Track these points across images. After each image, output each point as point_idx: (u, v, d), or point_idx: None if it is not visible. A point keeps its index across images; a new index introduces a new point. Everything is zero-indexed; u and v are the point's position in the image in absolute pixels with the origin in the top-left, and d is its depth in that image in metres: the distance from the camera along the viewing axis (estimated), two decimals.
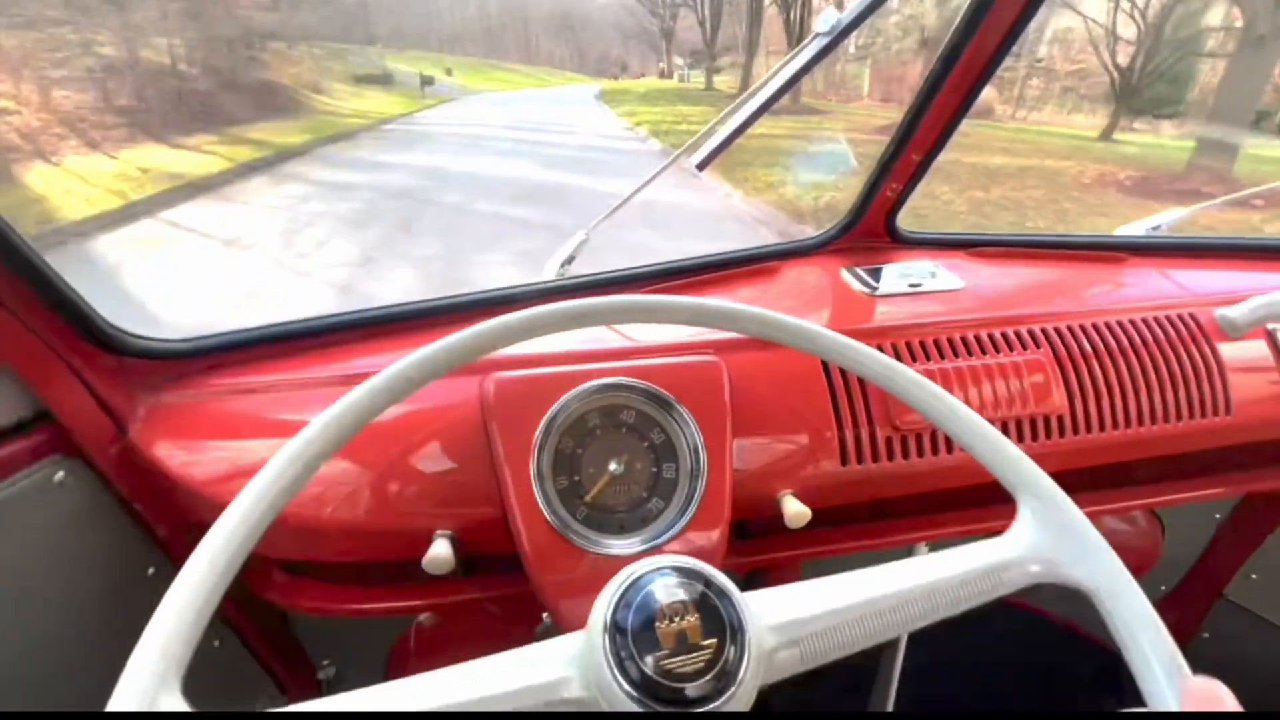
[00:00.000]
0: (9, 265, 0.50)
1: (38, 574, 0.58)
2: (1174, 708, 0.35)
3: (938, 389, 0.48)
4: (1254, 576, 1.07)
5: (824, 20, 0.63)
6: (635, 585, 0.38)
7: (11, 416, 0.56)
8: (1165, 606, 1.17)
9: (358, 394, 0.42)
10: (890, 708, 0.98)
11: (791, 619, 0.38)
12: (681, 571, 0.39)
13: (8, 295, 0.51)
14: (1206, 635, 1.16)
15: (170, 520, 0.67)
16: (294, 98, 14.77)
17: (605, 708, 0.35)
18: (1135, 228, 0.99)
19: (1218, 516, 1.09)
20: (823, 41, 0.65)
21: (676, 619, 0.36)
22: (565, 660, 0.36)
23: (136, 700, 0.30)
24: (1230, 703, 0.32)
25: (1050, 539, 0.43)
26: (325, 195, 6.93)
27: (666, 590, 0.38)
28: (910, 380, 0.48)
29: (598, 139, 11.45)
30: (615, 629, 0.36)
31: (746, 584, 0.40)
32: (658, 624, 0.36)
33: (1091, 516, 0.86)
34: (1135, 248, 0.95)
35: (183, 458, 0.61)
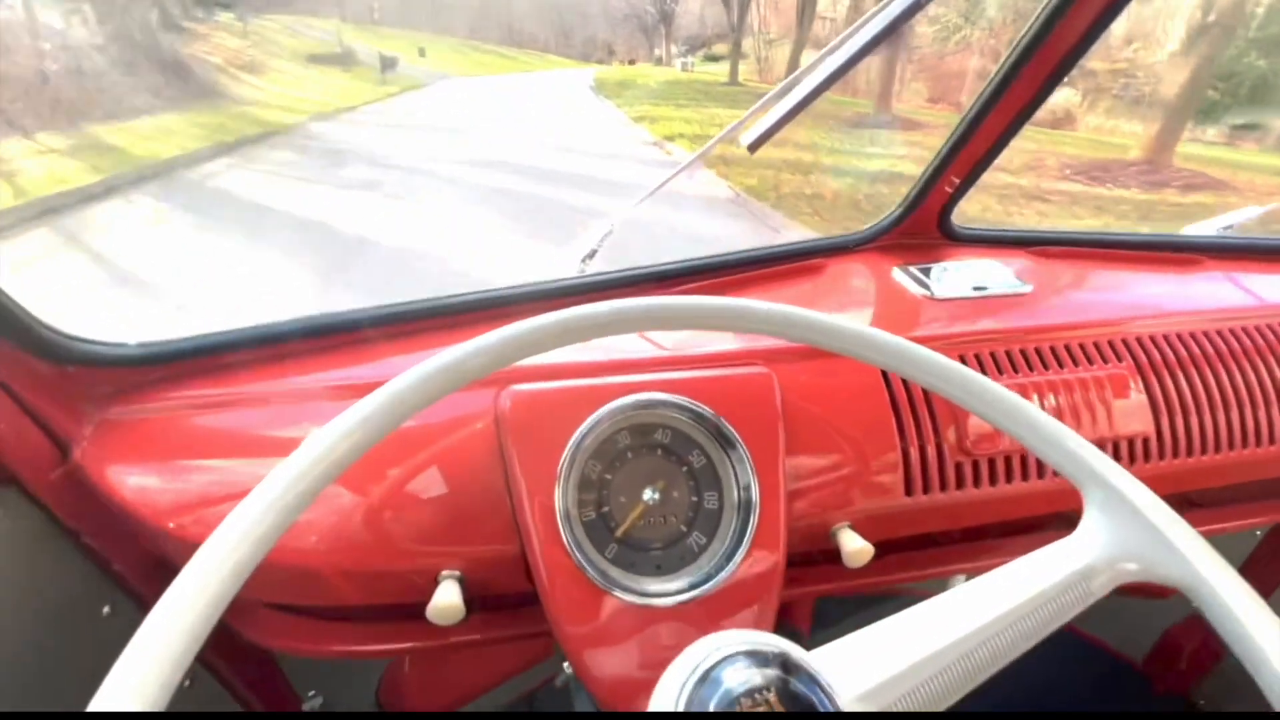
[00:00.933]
0: None
1: None
2: None
3: (982, 378, 0.43)
4: None
5: None
6: (705, 680, 0.31)
7: None
8: (1194, 625, 1.12)
9: (369, 406, 0.34)
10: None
11: (878, 683, 0.33)
12: (753, 656, 0.33)
13: None
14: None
15: (126, 554, 0.57)
16: (215, 82, 11.79)
17: None
18: (1206, 226, 0.91)
19: (1258, 533, 1.03)
20: (883, 22, 0.56)
21: (758, 707, 0.31)
22: None
23: None
24: None
25: (1131, 533, 0.39)
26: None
27: (741, 682, 0.31)
28: (947, 368, 0.43)
29: (617, 163, 7.26)
30: None
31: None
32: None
33: None
34: (1207, 248, 0.87)
35: (139, 483, 0.51)
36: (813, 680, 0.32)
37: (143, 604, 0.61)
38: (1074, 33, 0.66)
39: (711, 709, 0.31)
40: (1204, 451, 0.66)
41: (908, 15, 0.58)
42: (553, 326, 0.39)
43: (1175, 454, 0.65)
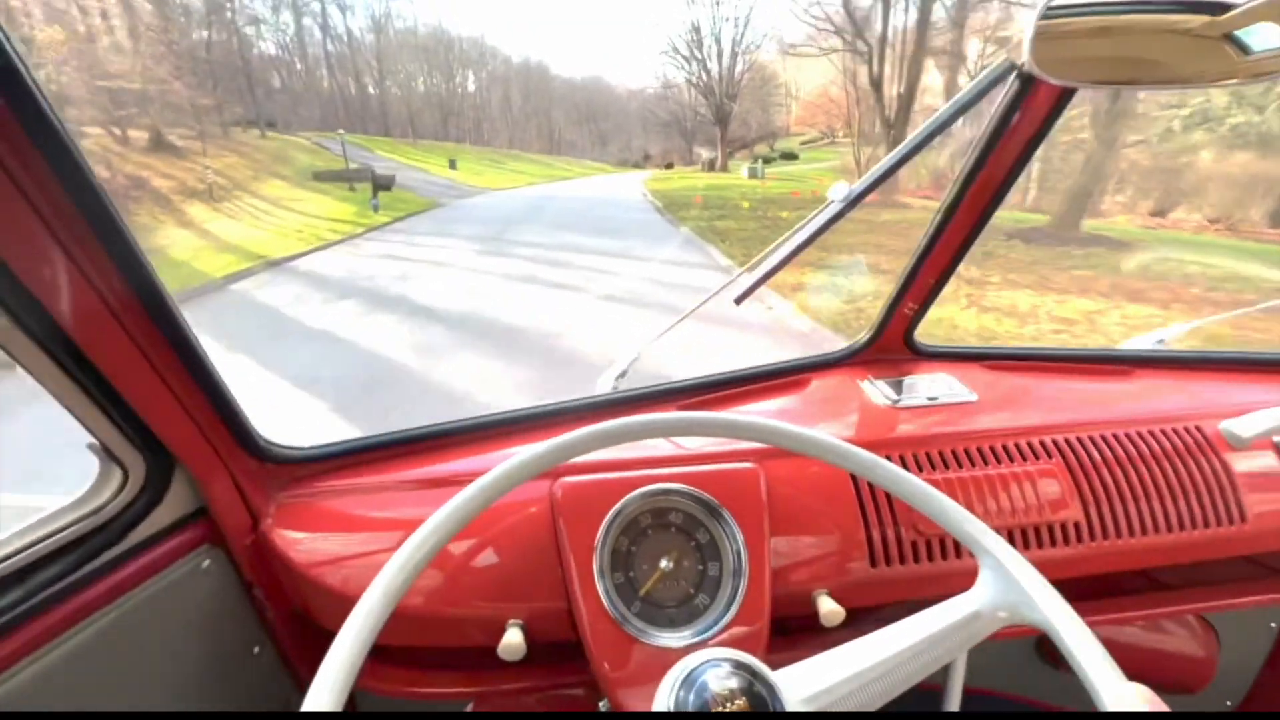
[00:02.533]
0: (195, 376, 0.63)
1: (178, 649, 0.69)
2: (1122, 708, 0.42)
3: (900, 471, 0.59)
4: None
5: (836, 190, 0.78)
6: (692, 675, 0.47)
7: (181, 510, 0.69)
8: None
9: (470, 493, 0.52)
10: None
11: (819, 690, 0.46)
12: (734, 664, 0.48)
13: (193, 404, 0.64)
14: None
15: (280, 604, 0.77)
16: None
17: None
18: (1142, 341, 1.06)
19: (1274, 626, 1.07)
20: (836, 208, 0.80)
21: (728, 704, 0.45)
22: None
23: None
24: (1160, 705, 0.41)
25: (1007, 590, 0.52)
26: None
27: (719, 680, 0.46)
28: (925, 492, 0.58)
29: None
30: (679, 706, 0.44)
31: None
32: (713, 709, 0.44)
33: (1128, 621, 0.87)
34: (1142, 361, 1.02)
35: (300, 548, 0.72)
36: (771, 688, 0.46)
37: (281, 646, 0.80)
38: (1004, 165, 0.79)
39: (691, 700, 0.44)
40: (1133, 534, 0.78)
41: (844, 213, 0.82)
42: (591, 437, 0.57)
43: (1105, 536, 0.78)
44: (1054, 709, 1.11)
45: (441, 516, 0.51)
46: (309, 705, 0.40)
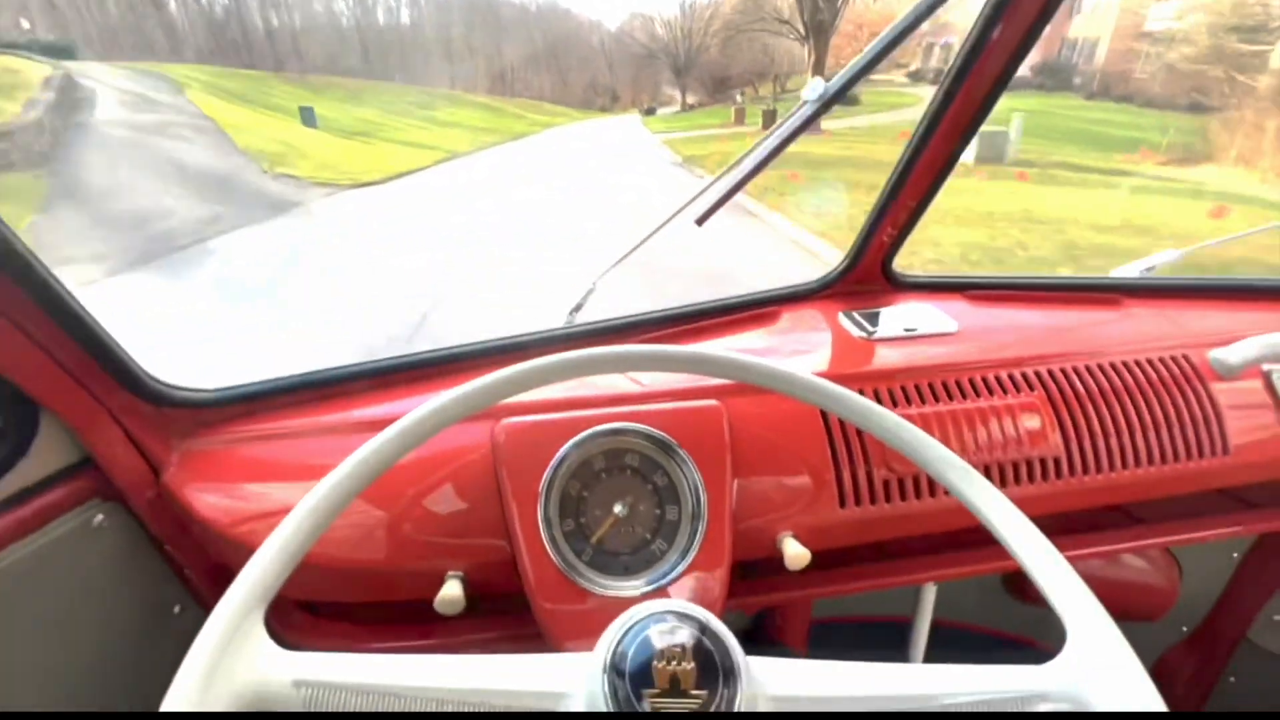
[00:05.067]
0: (56, 319, 0.54)
1: (76, 611, 0.62)
2: None
3: (932, 441, 0.50)
4: (1277, 618, 1.05)
5: (811, 89, 0.68)
6: (635, 627, 0.41)
7: (57, 463, 0.60)
8: (1187, 649, 1.14)
9: (385, 437, 0.46)
10: None
11: (791, 694, 0.39)
12: (680, 617, 0.42)
13: (56, 347, 0.56)
14: (1232, 679, 1.13)
15: (196, 563, 0.70)
16: None
17: None
18: (1131, 269, 1.01)
19: (1235, 556, 1.08)
20: (810, 109, 0.70)
21: (673, 662, 0.39)
22: (572, 679, 0.39)
23: None
24: None
25: (1096, 680, 0.39)
26: None
27: (666, 634, 0.40)
28: (897, 426, 0.51)
29: None
30: (614, 668, 0.39)
31: (755, 623, 0.42)
32: (655, 663, 0.39)
33: (1102, 556, 0.86)
34: (1131, 289, 0.97)
35: (211, 501, 0.64)
36: (723, 645, 0.39)
37: (206, 605, 0.74)
38: (982, 85, 0.74)
39: (632, 651, 0.38)
40: (1113, 469, 0.74)
41: (819, 114, 0.72)
42: (528, 373, 0.50)
43: (1085, 471, 0.74)
44: (1021, 640, 1.13)
45: (354, 462, 0.44)
46: (183, 669, 0.34)
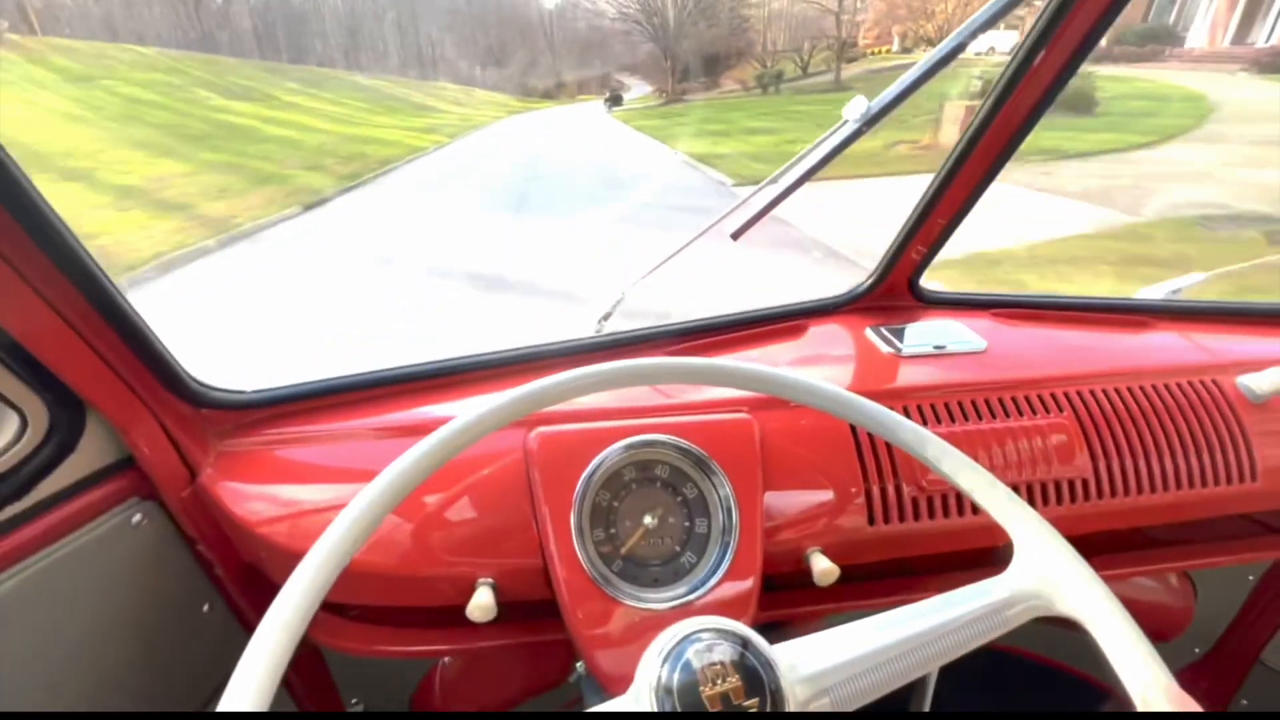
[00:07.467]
0: (107, 318, 0.55)
1: (110, 608, 0.62)
2: (1162, 708, 0.39)
3: (929, 434, 0.54)
4: None
5: (853, 108, 0.68)
6: (678, 648, 0.42)
7: (100, 461, 0.61)
8: (1201, 670, 1.14)
9: (429, 445, 0.46)
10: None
11: (820, 669, 0.42)
12: (722, 634, 0.42)
13: (106, 347, 0.56)
14: (1245, 701, 1.13)
15: (227, 562, 0.71)
16: None
17: None
18: (1156, 290, 1.01)
19: (1251, 579, 1.08)
20: (853, 127, 0.70)
21: (719, 681, 0.40)
22: None
23: None
24: (1193, 705, 0.38)
25: (1046, 576, 0.47)
26: None
27: (707, 653, 0.41)
28: (910, 429, 0.54)
29: None
30: (663, 690, 0.39)
31: (765, 630, 0.43)
32: (701, 687, 0.39)
33: (1121, 578, 0.86)
34: (1158, 311, 0.97)
35: (245, 502, 0.65)
36: (765, 659, 0.41)
37: (234, 604, 0.74)
38: (1020, 113, 0.74)
39: (678, 672, 0.39)
40: (1140, 492, 0.74)
41: (860, 133, 0.72)
42: (568, 383, 0.51)
43: (1114, 494, 0.74)
44: (1043, 660, 1.13)
45: (399, 469, 0.45)
46: (239, 671, 0.35)
